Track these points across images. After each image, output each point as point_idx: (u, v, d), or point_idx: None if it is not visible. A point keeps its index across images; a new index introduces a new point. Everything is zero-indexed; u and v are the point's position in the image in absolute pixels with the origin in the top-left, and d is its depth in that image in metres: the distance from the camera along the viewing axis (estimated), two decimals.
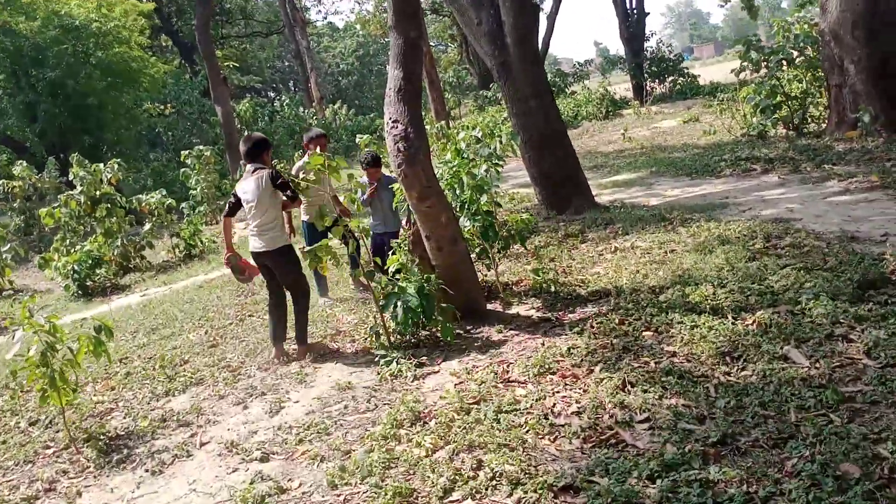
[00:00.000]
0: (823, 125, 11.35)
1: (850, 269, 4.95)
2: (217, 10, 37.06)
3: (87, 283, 10.55)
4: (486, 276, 6.37)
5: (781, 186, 8.63)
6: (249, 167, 5.52)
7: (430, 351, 5.11)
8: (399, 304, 4.95)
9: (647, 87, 25.54)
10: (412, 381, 4.63)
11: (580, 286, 5.89)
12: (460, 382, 4.43)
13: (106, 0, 21.68)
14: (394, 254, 5.64)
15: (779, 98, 11.71)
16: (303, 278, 5.60)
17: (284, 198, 5.44)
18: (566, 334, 4.86)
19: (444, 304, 5.16)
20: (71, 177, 11.28)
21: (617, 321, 4.81)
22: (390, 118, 5.20)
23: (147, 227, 11.52)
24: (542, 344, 4.77)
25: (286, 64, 61.11)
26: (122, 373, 6.06)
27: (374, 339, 5.15)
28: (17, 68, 20.12)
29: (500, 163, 5.83)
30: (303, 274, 5.65)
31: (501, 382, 4.26)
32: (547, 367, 4.31)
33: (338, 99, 43.77)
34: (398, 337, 5.32)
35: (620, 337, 4.56)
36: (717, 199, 8.50)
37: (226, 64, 32.06)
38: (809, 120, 11.80)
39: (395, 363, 4.85)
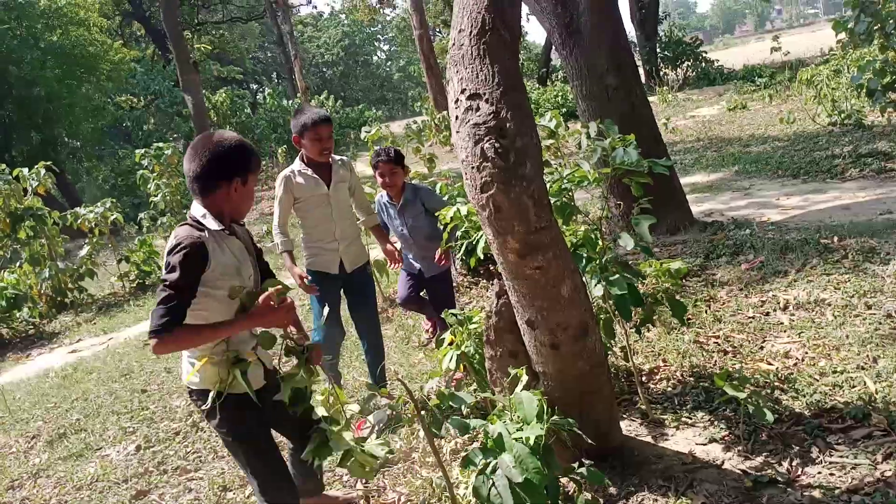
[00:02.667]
0: None
1: None
2: None
3: (2, 332, 7.91)
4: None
5: None
6: None
7: None
8: (497, 482, 2.34)
9: (662, 73, 23.24)
10: None
11: (784, 389, 3.35)
12: None
13: None
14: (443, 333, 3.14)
15: (889, 77, 9.22)
16: None
17: None
18: None
19: (582, 469, 2.59)
20: None
21: None
22: (463, 88, 2.58)
23: (84, 250, 8.83)
24: None
25: (268, 55, 57.92)
26: None
27: None
28: None
29: (665, 169, 3.21)
30: None
31: None
32: None
33: (323, 90, 40.88)
34: None
35: None
36: (875, 214, 6.00)
37: (197, 47, 29.08)
38: None
39: None
